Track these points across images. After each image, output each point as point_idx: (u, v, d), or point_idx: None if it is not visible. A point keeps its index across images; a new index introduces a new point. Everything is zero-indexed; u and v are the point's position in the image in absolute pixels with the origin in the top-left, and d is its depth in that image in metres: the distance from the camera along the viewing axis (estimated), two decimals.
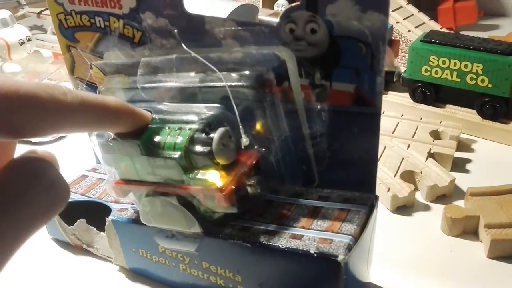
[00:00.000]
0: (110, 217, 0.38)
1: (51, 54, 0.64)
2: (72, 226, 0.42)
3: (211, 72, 0.32)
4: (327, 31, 0.29)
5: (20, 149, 0.59)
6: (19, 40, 0.60)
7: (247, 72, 0.31)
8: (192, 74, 0.33)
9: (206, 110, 0.32)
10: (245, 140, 0.31)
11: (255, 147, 0.33)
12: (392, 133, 0.56)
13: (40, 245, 0.44)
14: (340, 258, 0.29)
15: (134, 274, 0.40)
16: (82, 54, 0.38)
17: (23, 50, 0.61)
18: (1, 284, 0.40)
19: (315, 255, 0.30)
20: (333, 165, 0.34)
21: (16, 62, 0.61)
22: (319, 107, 0.32)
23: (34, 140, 0.61)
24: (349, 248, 0.30)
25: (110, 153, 0.33)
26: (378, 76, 0.29)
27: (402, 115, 0.60)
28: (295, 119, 0.33)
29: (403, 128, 0.57)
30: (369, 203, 0.33)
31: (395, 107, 0.64)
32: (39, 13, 0.90)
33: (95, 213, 0.41)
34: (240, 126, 0.31)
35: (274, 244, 0.31)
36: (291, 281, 0.32)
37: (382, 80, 0.29)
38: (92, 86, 0.39)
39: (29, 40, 0.61)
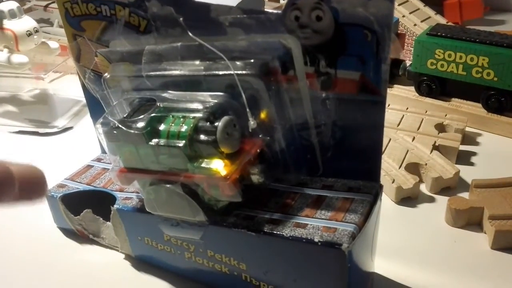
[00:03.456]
0: (115, 206, 0.38)
1: (58, 46, 0.64)
2: (78, 216, 0.43)
3: (217, 60, 0.32)
4: (332, 18, 0.29)
5: (27, 140, 0.59)
6: (27, 31, 0.60)
7: (252, 61, 0.31)
8: (197, 62, 0.33)
9: (211, 98, 0.33)
10: (252, 123, 0.31)
11: (260, 135, 0.33)
12: (397, 126, 0.56)
13: (46, 233, 0.45)
14: (344, 246, 0.29)
15: (140, 262, 0.41)
16: (89, 43, 0.38)
17: (31, 41, 0.61)
18: (6, 272, 0.41)
19: (319, 243, 0.30)
20: (337, 154, 0.34)
21: (24, 53, 0.61)
22: (324, 95, 0.32)
23: (40, 131, 0.62)
24: (353, 237, 0.30)
25: (114, 141, 0.33)
26: (384, 63, 0.29)
27: (407, 108, 0.60)
28: (300, 107, 0.33)
29: (408, 121, 0.57)
30: (374, 192, 0.33)
31: (401, 100, 0.64)
32: (46, 6, 0.90)
33: (101, 203, 0.41)
34: (247, 109, 0.31)
35: (278, 232, 0.31)
36: (295, 269, 0.32)
37: (388, 68, 0.29)
38: (97, 74, 0.39)
39: (36, 31, 0.61)
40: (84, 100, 0.66)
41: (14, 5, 0.61)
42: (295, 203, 0.34)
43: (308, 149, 0.34)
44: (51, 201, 0.44)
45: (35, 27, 0.62)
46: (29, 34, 0.61)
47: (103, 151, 0.47)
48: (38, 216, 0.46)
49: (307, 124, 0.33)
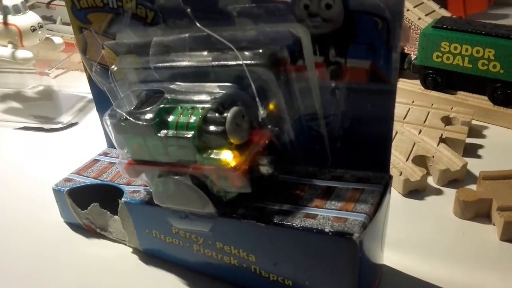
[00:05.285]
0: (123, 199, 0.38)
1: (62, 41, 0.64)
2: (85, 210, 0.42)
3: (225, 51, 0.32)
4: (342, 6, 0.29)
5: (33, 136, 0.59)
6: (31, 26, 0.60)
7: (260, 51, 0.31)
8: (205, 53, 0.33)
9: (219, 89, 0.32)
10: (262, 113, 0.31)
11: (268, 126, 0.33)
12: (403, 119, 0.56)
13: (53, 228, 0.45)
14: (355, 236, 0.29)
15: (148, 255, 0.40)
16: (96, 36, 0.38)
17: (35, 36, 0.61)
18: (13, 267, 0.41)
19: (330, 233, 0.30)
20: (346, 144, 0.34)
21: (28, 48, 0.61)
22: (333, 85, 0.32)
23: (45, 127, 0.61)
24: (364, 227, 0.29)
25: (122, 133, 0.33)
26: (394, 51, 0.29)
27: (413, 102, 0.60)
28: (309, 97, 0.32)
29: (414, 114, 0.57)
30: (383, 182, 0.33)
31: (406, 94, 0.64)
32: (48, 3, 0.90)
33: (108, 196, 0.41)
34: (257, 99, 0.30)
35: (288, 223, 0.31)
36: (305, 260, 0.32)
37: (398, 56, 0.29)
38: (104, 67, 0.39)
39: (41, 27, 0.61)
40: (88, 96, 0.66)
41: (18, 1, 0.61)
42: (305, 194, 0.33)
43: (317, 139, 0.34)
44: (58, 195, 0.44)
45: (40, 23, 0.62)
46: (34, 29, 0.61)
47: (109, 146, 0.47)
48: (45, 210, 0.46)
49: (316, 114, 0.33)
